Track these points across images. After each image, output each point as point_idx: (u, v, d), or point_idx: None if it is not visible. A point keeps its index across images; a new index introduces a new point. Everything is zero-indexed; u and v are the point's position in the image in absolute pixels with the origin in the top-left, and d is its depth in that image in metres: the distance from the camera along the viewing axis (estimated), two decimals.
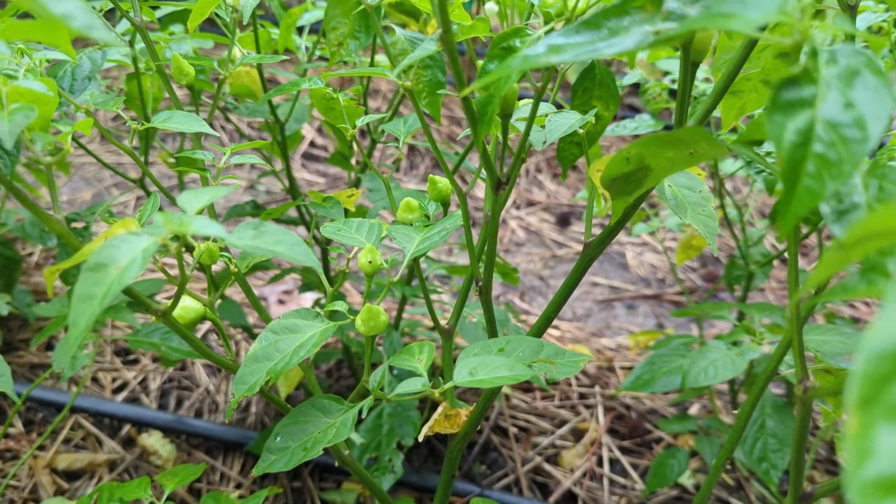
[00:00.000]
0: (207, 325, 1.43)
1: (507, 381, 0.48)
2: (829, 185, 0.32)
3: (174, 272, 0.65)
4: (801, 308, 0.53)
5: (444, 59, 0.79)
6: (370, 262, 0.55)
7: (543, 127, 0.60)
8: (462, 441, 0.67)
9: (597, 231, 0.63)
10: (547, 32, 0.46)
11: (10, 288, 1.20)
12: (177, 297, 0.47)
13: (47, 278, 0.42)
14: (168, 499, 0.74)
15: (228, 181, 0.64)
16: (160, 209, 0.52)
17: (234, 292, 1.47)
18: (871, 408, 0.20)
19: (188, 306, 0.54)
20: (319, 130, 2.17)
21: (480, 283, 0.61)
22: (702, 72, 1.03)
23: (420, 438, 0.60)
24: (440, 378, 0.53)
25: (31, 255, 1.52)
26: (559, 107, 0.66)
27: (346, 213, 0.76)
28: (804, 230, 1.01)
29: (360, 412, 0.56)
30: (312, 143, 2.13)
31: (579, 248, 1.90)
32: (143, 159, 1.03)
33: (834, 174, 0.32)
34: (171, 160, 1.19)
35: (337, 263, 0.65)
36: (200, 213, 0.41)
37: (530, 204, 2.06)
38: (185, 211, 0.41)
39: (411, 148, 2.18)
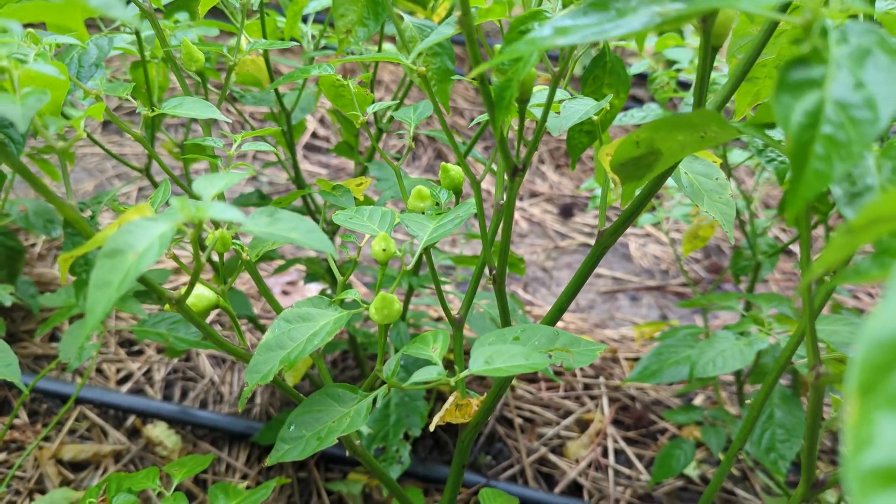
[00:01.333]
0: (211, 316, 1.43)
1: (524, 370, 0.47)
2: (837, 168, 0.31)
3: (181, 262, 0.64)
4: (814, 296, 0.52)
5: (454, 49, 0.78)
6: (384, 249, 0.55)
7: (558, 114, 0.60)
8: (473, 431, 0.67)
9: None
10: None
11: (13, 279, 1.20)
12: (191, 285, 0.47)
13: (61, 265, 0.41)
14: (175, 489, 0.74)
15: (240, 168, 0.63)
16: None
17: (238, 283, 1.47)
18: (870, 396, 0.20)
19: (202, 294, 0.53)
20: (322, 121, 2.16)
21: (494, 272, 0.60)
22: None
23: (431, 428, 0.59)
24: (449, 370, 0.53)
25: (33, 245, 1.51)
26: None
27: (355, 201, 0.76)
28: (813, 219, 1.01)
29: (373, 401, 0.55)
30: (314, 135, 2.12)
31: (583, 239, 1.90)
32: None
33: (843, 156, 0.31)
34: (176, 150, 1.18)
35: (347, 251, 0.64)
36: (215, 199, 0.41)
37: (533, 195, 2.05)
38: (201, 196, 0.40)
39: (414, 138, 2.17)
